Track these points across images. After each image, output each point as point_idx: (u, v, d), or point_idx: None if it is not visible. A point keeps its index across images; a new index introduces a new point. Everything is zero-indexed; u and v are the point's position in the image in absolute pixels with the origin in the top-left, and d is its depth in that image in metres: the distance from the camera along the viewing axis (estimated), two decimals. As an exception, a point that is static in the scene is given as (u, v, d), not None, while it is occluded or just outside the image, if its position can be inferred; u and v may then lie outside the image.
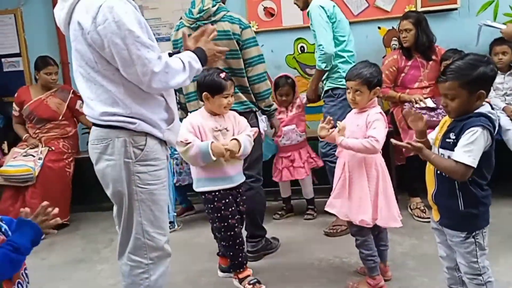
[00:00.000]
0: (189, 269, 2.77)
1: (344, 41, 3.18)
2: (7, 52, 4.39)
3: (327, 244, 2.97)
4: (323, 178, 3.50)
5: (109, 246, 3.32)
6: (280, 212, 3.59)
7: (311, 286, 2.43)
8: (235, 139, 2.32)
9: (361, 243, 2.30)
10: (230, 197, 2.39)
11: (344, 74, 2.79)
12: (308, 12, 3.17)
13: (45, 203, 1.44)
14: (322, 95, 3.33)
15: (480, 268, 1.78)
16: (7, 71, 4.44)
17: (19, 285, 1.38)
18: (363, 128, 2.25)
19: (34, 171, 3.61)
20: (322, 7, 3.07)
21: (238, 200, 2.45)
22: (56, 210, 1.45)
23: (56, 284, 2.75)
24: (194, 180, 2.45)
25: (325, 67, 3.11)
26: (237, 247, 2.41)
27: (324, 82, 3.24)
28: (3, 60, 4.43)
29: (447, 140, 1.76)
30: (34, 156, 3.71)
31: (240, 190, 2.48)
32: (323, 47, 3.04)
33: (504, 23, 3.38)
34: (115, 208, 1.83)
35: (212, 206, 2.38)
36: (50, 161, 3.75)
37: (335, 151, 2.90)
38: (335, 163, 3.08)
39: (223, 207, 2.37)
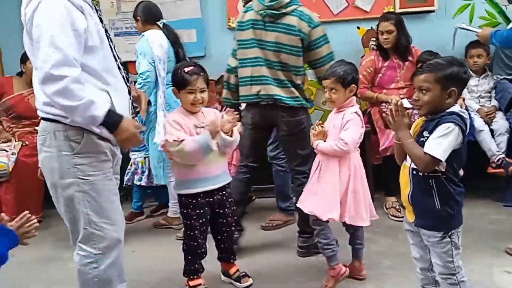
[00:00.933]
0: (168, 268, 2.72)
1: None
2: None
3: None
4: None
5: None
6: None
7: (288, 285, 2.44)
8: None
9: (318, 232, 2.33)
10: (206, 207, 2.32)
11: None
12: None
13: (26, 212, 1.41)
14: None
15: (455, 267, 1.81)
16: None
17: None
18: (338, 129, 2.28)
19: (7, 166, 3.49)
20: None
21: (222, 203, 2.38)
22: (36, 222, 1.41)
23: (26, 283, 2.68)
24: (175, 181, 2.41)
25: None
26: (194, 255, 2.36)
27: None
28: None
29: (421, 139, 1.78)
30: (7, 151, 3.59)
31: (225, 192, 2.39)
32: None
33: (479, 26, 3.45)
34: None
35: (185, 211, 2.33)
36: (24, 156, 3.61)
37: (283, 155, 3.05)
38: (283, 166, 3.22)
39: (195, 217, 2.31)
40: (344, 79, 2.26)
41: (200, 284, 2.37)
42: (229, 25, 4.00)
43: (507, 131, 3.50)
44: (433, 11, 3.82)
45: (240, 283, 2.45)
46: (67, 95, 1.64)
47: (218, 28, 4.08)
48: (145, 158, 3.58)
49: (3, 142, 3.67)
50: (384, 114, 3.14)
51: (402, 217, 3.31)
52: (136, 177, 3.59)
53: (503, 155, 3.39)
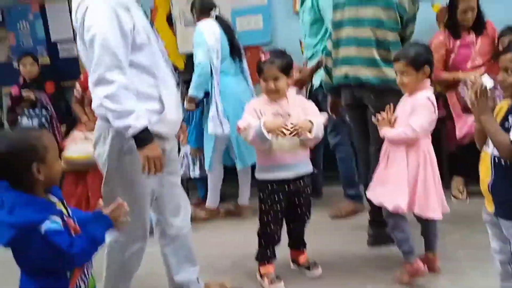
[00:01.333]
0: (238, 253, 2.79)
1: None
2: (62, 37, 4.54)
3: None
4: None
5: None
6: None
7: (356, 277, 2.41)
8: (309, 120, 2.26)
9: (393, 226, 2.25)
10: (281, 195, 2.32)
11: None
12: None
13: (118, 199, 1.52)
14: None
15: None
16: (63, 58, 4.62)
17: (86, 269, 1.46)
18: (407, 114, 2.19)
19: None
20: None
21: (297, 193, 2.37)
22: (126, 208, 1.51)
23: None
24: (257, 166, 2.43)
25: None
26: (267, 241, 2.39)
27: None
28: (59, 46, 4.60)
29: (506, 125, 1.66)
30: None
31: (302, 182, 2.36)
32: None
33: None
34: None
35: (261, 196, 2.37)
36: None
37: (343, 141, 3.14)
38: (345, 152, 3.28)
39: (269, 202, 2.32)
40: (416, 61, 2.14)
41: (269, 272, 2.40)
42: (295, 10, 3.95)
43: None
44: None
45: (310, 270, 2.47)
46: (114, 99, 1.74)
47: (284, 14, 4.05)
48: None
49: (89, 132, 3.93)
50: (463, 97, 2.91)
51: (463, 198, 3.27)
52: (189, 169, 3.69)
53: None
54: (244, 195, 3.49)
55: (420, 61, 2.15)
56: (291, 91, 2.38)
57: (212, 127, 3.22)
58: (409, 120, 2.18)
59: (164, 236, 2.15)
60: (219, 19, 3.32)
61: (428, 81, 2.21)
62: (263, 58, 2.32)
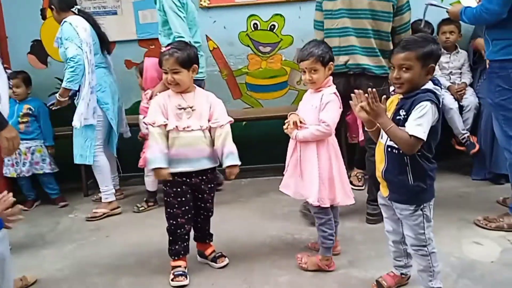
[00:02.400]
0: (141, 251, 2.71)
1: (193, 30, 3.22)
2: None
3: (279, 222, 2.99)
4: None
5: (54, 230, 3.20)
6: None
7: (263, 264, 2.44)
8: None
9: (325, 222, 2.28)
10: (184, 187, 2.30)
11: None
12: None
13: (4, 193, 1.39)
14: None
15: (426, 239, 1.86)
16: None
17: None
18: (316, 109, 2.25)
19: None
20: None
21: (200, 187, 2.36)
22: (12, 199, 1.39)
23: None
24: None
25: None
26: (175, 236, 2.34)
27: None
28: None
29: (398, 117, 1.79)
30: None
31: (205, 177, 2.36)
32: (181, 35, 3.01)
33: (450, 4, 3.47)
34: None
35: (164, 188, 2.34)
36: None
37: None
38: None
39: (172, 195, 2.31)
40: (323, 58, 2.22)
41: (179, 266, 2.34)
42: (201, 5, 3.93)
43: (475, 108, 3.59)
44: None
45: (216, 263, 2.46)
46: None
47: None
48: (41, 146, 3.64)
49: None
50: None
51: (360, 186, 3.49)
52: (37, 166, 3.62)
53: (468, 134, 3.49)
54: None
55: (327, 58, 2.23)
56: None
57: (89, 118, 3.24)
58: (318, 116, 2.23)
59: None
60: (85, 14, 3.34)
61: (331, 78, 2.30)
62: (163, 50, 2.29)
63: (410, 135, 1.72)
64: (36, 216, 3.54)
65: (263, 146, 3.90)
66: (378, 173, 1.92)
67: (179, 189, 2.30)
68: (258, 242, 2.71)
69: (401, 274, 2.10)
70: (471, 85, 3.70)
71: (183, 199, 2.32)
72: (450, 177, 3.56)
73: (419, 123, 1.72)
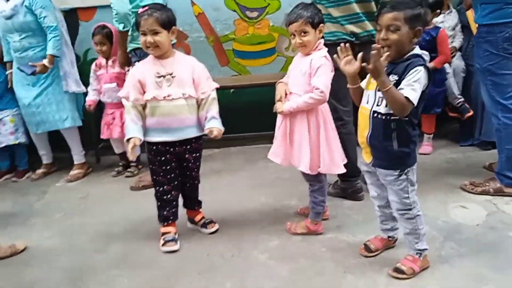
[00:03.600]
0: (131, 218, 2.71)
1: None
2: None
3: (268, 189, 3.00)
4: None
5: (42, 199, 3.18)
6: (117, 169, 3.58)
7: (252, 230, 2.46)
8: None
9: (318, 189, 2.28)
10: (168, 155, 2.28)
11: None
12: None
13: None
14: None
15: (411, 203, 1.88)
16: None
17: None
18: (306, 74, 2.16)
19: None
20: None
21: (184, 157, 2.32)
22: None
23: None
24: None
25: (123, 28, 2.95)
26: (162, 202, 2.35)
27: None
28: None
29: (390, 81, 1.75)
30: None
31: (189, 147, 2.32)
32: (115, 8, 2.92)
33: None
34: None
35: (149, 156, 2.32)
36: None
37: None
38: None
39: (157, 163, 2.29)
40: (313, 19, 2.13)
41: (169, 232, 2.35)
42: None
43: (463, 71, 3.57)
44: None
45: (206, 229, 2.47)
46: None
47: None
48: (13, 115, 3.56)
49: None
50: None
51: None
52: (11, 137, 3.54)
53: (463, 99, 3.48)
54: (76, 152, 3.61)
55: (316, 19, 2.14)
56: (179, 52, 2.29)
57: (72, 84, 3.46)
58: (307, 81, 2.15)
59: None
60: None
61: (322, 41, 2.20)
62: (140, 11, 2.19)
63: (405, 97, 1.70)
64: (23, 185, 3.51)
65: (251, 114, 3.86)
66: (362, 139, 1.91)
67: (163, 158, 2.28)
68: (247, 209, 2.72)
69: (388, 237, 2.13)
70: (460, 49, 3.67)
71: (168, 167, 2.30)
72: (437, 144, 3.58)
73: (413, 87, 1.70)
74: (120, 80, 3.36)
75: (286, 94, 2.24)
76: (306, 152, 2.19)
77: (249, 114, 3.86)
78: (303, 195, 2.57)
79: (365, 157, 1.96)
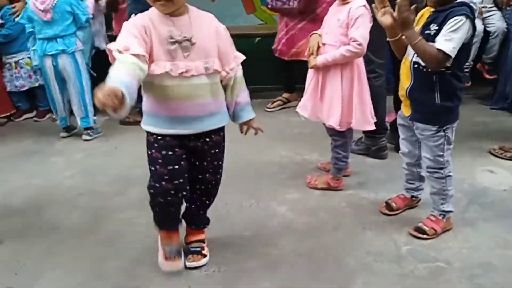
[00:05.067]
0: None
1: None
2: None
3: (290, 143, 2.95)
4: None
5: (63, 139, 3.19)
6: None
7: (271, 182, 2.43)
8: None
9: (342, 144, 2.21)
10: (177, 149, 1.58)
11: None
12: None
13: None
14: None
15: (444, 162, 1.81)
16: None
17: None
18: (343, 24, 2.03)
19: None
20: None
21: (200, 153, 1.64)
22: None
23: (5, 175, 2.64)
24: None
25: None
26: (159, 205, 1.62)
27: None
28: None
29: (427, 32, 1.67)
30: None
31: (209, 140, 1.64)
32: None
33: None
34: None
35: (149, 152, 1.60)
36: None
37: None
38: None
39: (160, 161, 1.56)
40: None
41: (170, 243, 1.69)
42: None
43: (502, 34, 3.39)
44: None
45: (190, 258, 1.74)
46: None
47: None
48: (29, 58, 3.49)
49: None
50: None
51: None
52: (31, 79, 3.57)
53: (470, 66, 3.34)
54: None
55: None
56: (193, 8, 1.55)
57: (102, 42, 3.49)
58: (344, 32, 2.02)
59: None
60: None
61: None
62: None
63: (438, 49, 1.60)
64: (45, 124, 3.54)
65: (274, 65, 3.76)
66: (402, 92, 1.82)
67: (169, 152, 1.58)
68: (267, 161, 2.69)
69: (412, 196, 2.08)
70: (499, 8, 3.47)
71: (176, 166, 1.59)
72: (466, 106, 3.44)
73: (450, 37, 1.60)
74: None
75: (318, 47, 2.12)
76: (338, 107, 2.10)
77: (271, 66, 3.76)
78: (324, 150, 2.51)
79: (404, 110, 1.87)
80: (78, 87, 3.09)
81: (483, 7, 3.44)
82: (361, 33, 2.00)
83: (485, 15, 3.41)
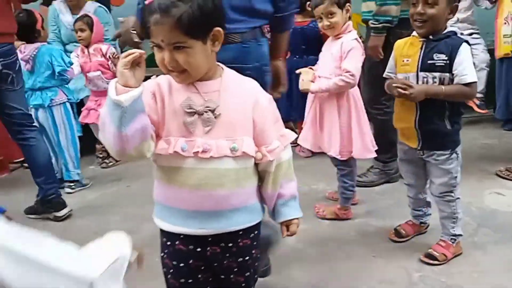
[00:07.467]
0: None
1: None
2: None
3: (295, 172, 2.95)
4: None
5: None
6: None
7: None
8: None
9: (347, 173, 2.25)
10: (191, 260, 1.19)
11: None
12: None
13: None
14: None
15: (456, 183, 1.83)
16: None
17: None
18: (337, 57, 2.12)
19: None
20: None
21: (221, 262, 1.20)
22: None
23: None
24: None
25: None
26: None
27: None
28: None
29: (430, 62, 1.70)
30: None
31: (233, 246, 1.19)
32: None
33: None
34: None
35: (161, 255, 1.24)
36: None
37: None
38: None
39: (171, 270, 1.22)
40: (339, 0, 2.09)
41: None
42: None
43: (487, 66, 3.40)
44: None
45: None
46: None
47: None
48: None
49: None
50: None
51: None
52: None
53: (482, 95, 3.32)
54: None
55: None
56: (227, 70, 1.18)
57: None
58: (338, 65, 2.10)
59: None
60: None
61: (351, 23, 2.17)
62: (147, 1, 1.07)
63: (470, 83, 1.66)
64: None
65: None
66: (408, 124, 1.82)
67: (181, 264, 1.21)
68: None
69: (420, 223, 2.09)
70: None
71: (190, 280, 1.21)
72: (471, 129, 3.48)
73: (471, 66, 1.67)
74: (104, 67, 3.31)
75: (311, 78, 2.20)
76: (336, 137, 2.16)
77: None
78: (330, 179, 2.54)
79: (409, 143, 1.88)
80: (55, 141, 2.99)
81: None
82: (354, 64, 2.09)
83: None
